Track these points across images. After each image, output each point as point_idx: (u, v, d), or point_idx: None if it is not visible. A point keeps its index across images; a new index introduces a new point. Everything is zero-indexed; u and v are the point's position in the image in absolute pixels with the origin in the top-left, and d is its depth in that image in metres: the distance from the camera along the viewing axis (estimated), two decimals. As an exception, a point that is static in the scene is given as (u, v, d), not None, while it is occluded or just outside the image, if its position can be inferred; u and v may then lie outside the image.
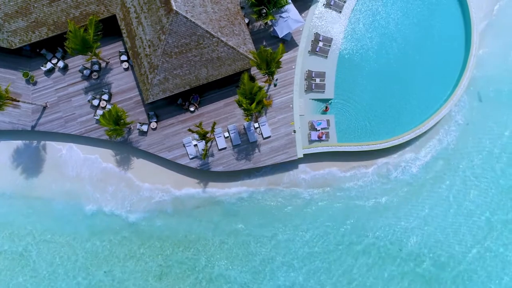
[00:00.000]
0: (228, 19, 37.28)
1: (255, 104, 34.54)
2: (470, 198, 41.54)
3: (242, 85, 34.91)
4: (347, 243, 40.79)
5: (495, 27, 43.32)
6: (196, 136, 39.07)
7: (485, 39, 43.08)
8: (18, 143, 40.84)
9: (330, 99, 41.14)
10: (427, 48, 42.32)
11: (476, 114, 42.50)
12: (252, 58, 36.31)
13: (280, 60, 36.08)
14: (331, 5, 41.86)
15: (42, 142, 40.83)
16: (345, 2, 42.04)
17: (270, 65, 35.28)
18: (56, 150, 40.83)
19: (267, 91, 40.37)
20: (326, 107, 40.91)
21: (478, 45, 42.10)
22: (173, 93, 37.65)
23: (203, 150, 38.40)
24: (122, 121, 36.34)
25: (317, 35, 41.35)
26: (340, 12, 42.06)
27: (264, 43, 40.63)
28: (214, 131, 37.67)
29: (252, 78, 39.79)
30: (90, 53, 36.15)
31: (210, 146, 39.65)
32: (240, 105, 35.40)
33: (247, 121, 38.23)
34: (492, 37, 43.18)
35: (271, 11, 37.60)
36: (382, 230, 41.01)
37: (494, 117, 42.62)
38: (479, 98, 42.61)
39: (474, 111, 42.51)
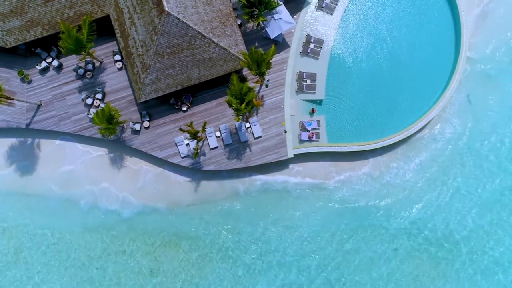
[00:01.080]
0: (220, 20, 37.71)
1: (245, 104, 35.00)
2: (460, 192, 42.27)
3: (232, 86, 35.39)
4: (339, 240, 41.39)
5: (485, 26, 43.67)
6: (187, 135, 39.54)
7: (476, 37, 43.50)
8: (13, 140, 41.29)
9: (320, 100, 41.56)
10: (417, 49, 42.72)
11: (467, 114, 42.78)
12: (243, 59, 36.76)
13: (271, 61, 36.54)
14: (322, 7, 42.25)
15: (36, 140, 41.28)
16: (336, 4, 42.43)
17: (260, 66, 35.75)
18: (50, 148, 41.26)
19: (258, 92, 40.82)
20: (313, 110, 41.31)
21: (468, 45, 42.62)
22: (165, 93, 38.09)
23: (194, 149, 38.89)
24: (115, 120, 36.80)
25: (308, 37, 41.75)
26: (332, 14, 42.44)
27: (256, 44, 41.03)
28: (205, 130, 38.13)
29: (243, 79, 40.27)
30: (84, 53, 36.60)
31: (202, 145, 40.13)
32: (230, 105, 35.85)
33: (238, 121, 38.68)
34: (482, 36, 43.57)
35: (262, 12, 38.03)
36: (374, 225, 41.58)
37: (485, 117, 42.90)
38: (469, 100, 43.00)
39: (465, 111, 42.80)
